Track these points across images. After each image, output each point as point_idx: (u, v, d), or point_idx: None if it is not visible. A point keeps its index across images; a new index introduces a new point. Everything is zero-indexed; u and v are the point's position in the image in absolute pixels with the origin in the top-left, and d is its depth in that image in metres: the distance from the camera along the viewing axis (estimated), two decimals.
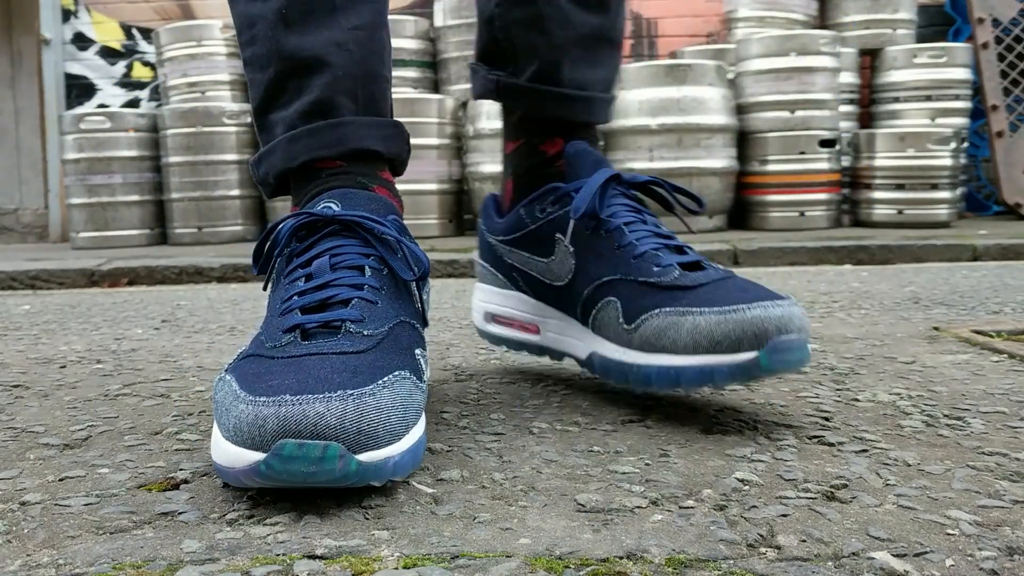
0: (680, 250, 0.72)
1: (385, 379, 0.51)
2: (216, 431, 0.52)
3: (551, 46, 0.77)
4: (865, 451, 0.59)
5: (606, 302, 0.71)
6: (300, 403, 0.47)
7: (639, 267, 0.70)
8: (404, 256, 0.64)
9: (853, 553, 0.42)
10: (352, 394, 0.48)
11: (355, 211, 0.63)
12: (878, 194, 3.39)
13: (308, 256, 0.62)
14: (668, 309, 0.67)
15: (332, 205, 0.65)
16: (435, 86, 3.93)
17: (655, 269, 0.69)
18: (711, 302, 0.65)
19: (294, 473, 0.47)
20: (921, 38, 4.07)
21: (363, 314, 0.57)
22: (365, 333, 0.56)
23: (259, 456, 0.47)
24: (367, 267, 0.61)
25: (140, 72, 4.70)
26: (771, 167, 3.38)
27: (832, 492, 0.51)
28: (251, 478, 0.48)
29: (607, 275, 0.71)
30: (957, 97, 3.74)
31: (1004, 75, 3.83)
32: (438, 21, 3.88)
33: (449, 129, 3.47)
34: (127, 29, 4.70)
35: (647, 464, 0.57)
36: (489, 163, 3.29)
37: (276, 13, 0.68)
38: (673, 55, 4.05)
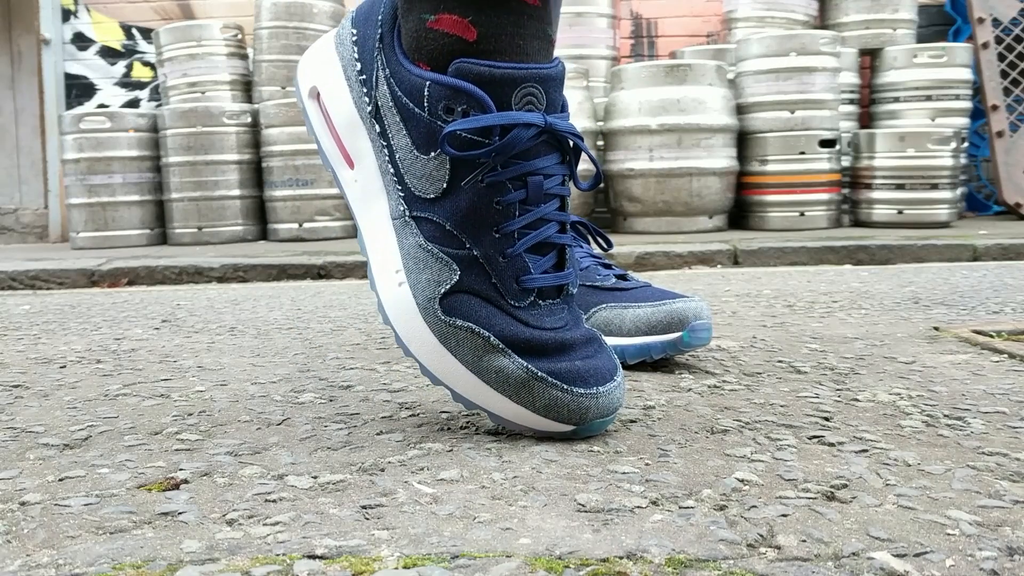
0: (608, 266, 0.95)
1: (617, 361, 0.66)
2: (493, 394, 0.63)
3: None
4: (865, 451, 0.59)
5: None
6: (607, 395, 0.62)
7: (586, 275, 0.92)
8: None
9: (853, 553, 0.42)
10: (619, 382, 0.64)
11: (563, 124, 0.63)
12: (878, 194, 3.39)
13: (524, 168, 0.61)
14: (612, 304, 0.90)
15: (534, 107, 0.62)
16: None
17: (598, 276, 0.92)
18: (644, 299, 0.90)
19: (588, 433, 0.64)
20: (921, 38, 4.07)
21: (575, 277, 0.67)
22: (573, 295, 0.67)
23: (571, 428, 0.63)
24: (567, 201, 0.66)
25: (140, 72, 4.70)
26: (771, 167, 3.38)
27: (832, 492, 0.51)
28: (551, 434, 0.63)
29: None
30: (957, 97, 3.74)
31: (1004, 75, 3.84)
32: None
33: None
34: (127, 29, 4.70)
35: (647, 464, 0.57)
36: None
37: None
38: (673, 55, 4.05)
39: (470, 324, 0.62)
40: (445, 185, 0.62)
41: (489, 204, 0.62)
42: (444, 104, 0.61)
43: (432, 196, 0.63)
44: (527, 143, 0.61)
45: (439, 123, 0.61)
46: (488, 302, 0.63)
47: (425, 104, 0.62)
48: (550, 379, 0.62)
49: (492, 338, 0.62)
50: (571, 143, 0.64)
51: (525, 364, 0.62)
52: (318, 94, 0.69)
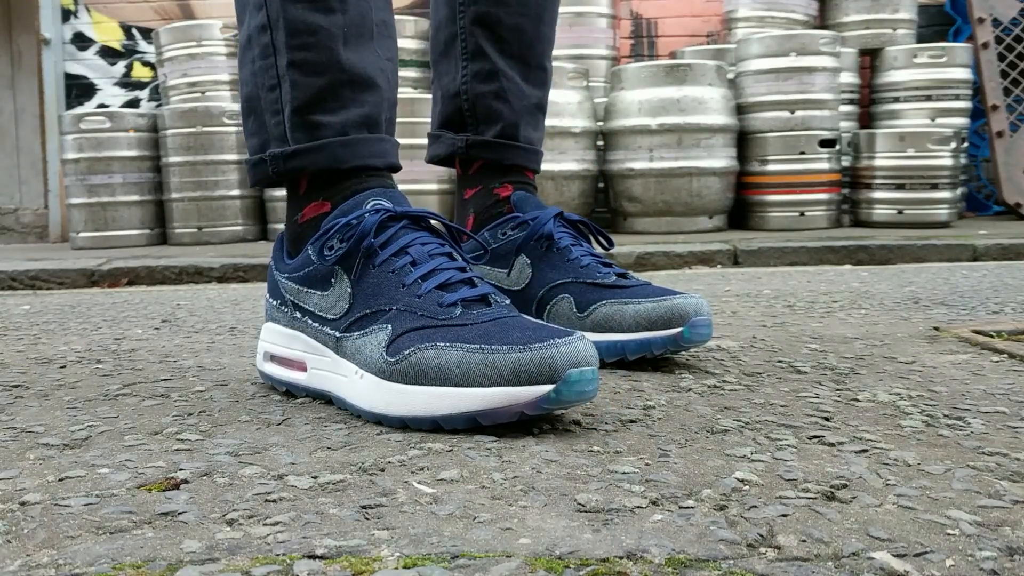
0: (608, 265, 0.96)
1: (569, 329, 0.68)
2: (461, 390, 0.64)
3: (511, 112, 1.00)
4: (865, 451, 0.59)
5: (560, 298, 0.94)
6: (569, 343, 0.63)
7: (587, 273, 0.94)
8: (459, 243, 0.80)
9: (853, 553, 0.42)
10: (580, 336, 0.65)
11: (420, 209, 0.77)
12: (878, 194, 3.39)
13: (399, 245, 0.74)
14: (613, 300, 0.91)
15: (383, 202, 0.76)
16: None
17: (598, 274, 0.94)
18: (644, 295, 0.90)
19: (579, 393, 0.63)
20: (921, 38, 4.07)
21: (494, 290, 0.73)
22: (507, 303, 0.72)
23: (548, 388, 0.62)
24: (454, 254, 0.75)
25: (140, 72, 4.69)
26: (771, 167, 3.38)
27: (832, 492, 0.51)
28: (535, 408, 0.63)
29: (560, 279, 0.94)
30: (957, 97, 3.74)
31: (1004, 75, 3.83)
32: None
33: None
34: (127, 29, 4.70)
35: (647, 464, 0.57)
36: None
37: (339, 28, 0.78)
38: (673, 55, 4.04)
39: (416, 346, 0.68)
40: (350, 290, 0.74)
41: (386, 275, 0.73)
42: (317, 252, 0.76)
43: (345, 307, 0.74)
44: (386, 225, 0.75)
45: (324, 263, 0.76)
46: (424, 328, 0.69)
47: (314, 260, 0.76)
48: (504, 346, 0.64)
49: (440, 344, 0.67)
50: (430, 220, 0.77)
51: (478, 346, 0.65)
52: (270, 355, 0.83)
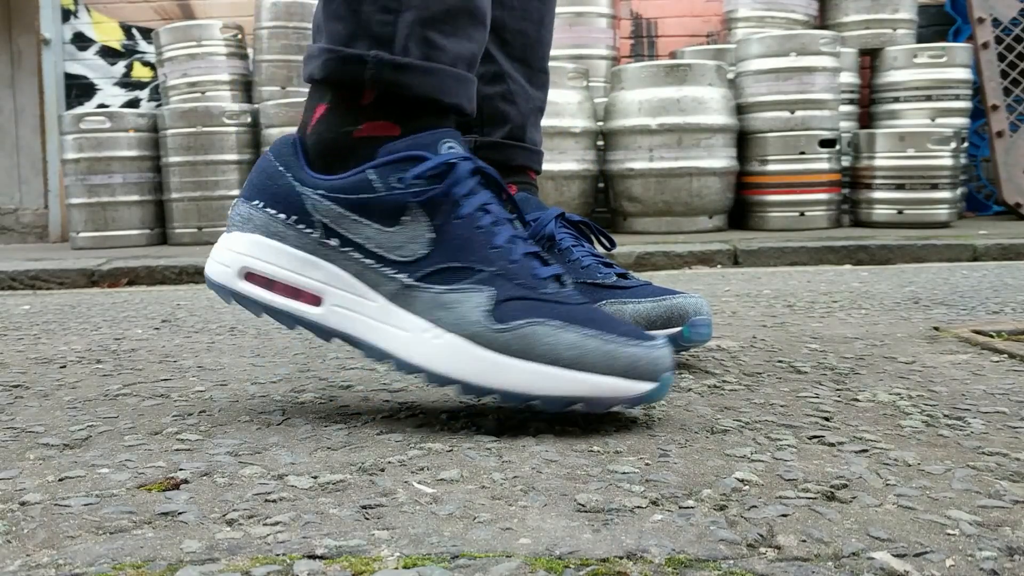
0: (609, 265, 0.96)
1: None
2: (571, 374, 0.64)
3: (518, 114, 1.00)
4: (865, 451, 0.59)
5: None
6: (666, 346, 0.66)
7: (588, 273, 0.93)
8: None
9: (853, 553, 0.42)
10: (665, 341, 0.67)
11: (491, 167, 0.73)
12: (878, 194, 3.39)
13: (481, 201, 0.70)
14: (613, 300, 0.91)
15: (457, 148, 0.71)
16: None
17: (599, 275, 0.93)
18: (644, 295, 0.91)
19: (662, 395, 0.66)
20: (921, 38, 4.07)
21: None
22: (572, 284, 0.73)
23: (650, 386, 0.64)
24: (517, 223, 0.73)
25: (140, 72, 4.70)
26: (771, 167, 3.38)
27: (832, 492, 0.51)
28: (631, 403, 0.65)
29: None
30: (957, 97, 3.74)
31: (1004, 75, 3.84)
32: None
33: None
34: (127, 29, 4.70)
35: (647, 464, 0.57)
36: None
37: None
38: (673, 55, 4.04)
39: (529, 319, 0.65)
40: (433, 235, 0.67)
41: (472, 231, 0.68)
42: (382, 179, 0.68)
43: (423, 253, 0.67)
44: (470, 177, 0.69)
45: (397, 192, 0.68)
46: (527, 300, 0.66)
47: (372, 187, 0.68)
48: (620, 337, 0.64)
49: (553, 322, 0.65)
50: (498, 182, 0.73)
51: (595, 332, 0.65)
52: (248, 272, 0.70)
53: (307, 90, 0.76)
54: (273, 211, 0.71)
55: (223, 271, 0.71)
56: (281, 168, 0.71)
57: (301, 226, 0.70)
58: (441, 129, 0.71)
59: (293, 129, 3.64)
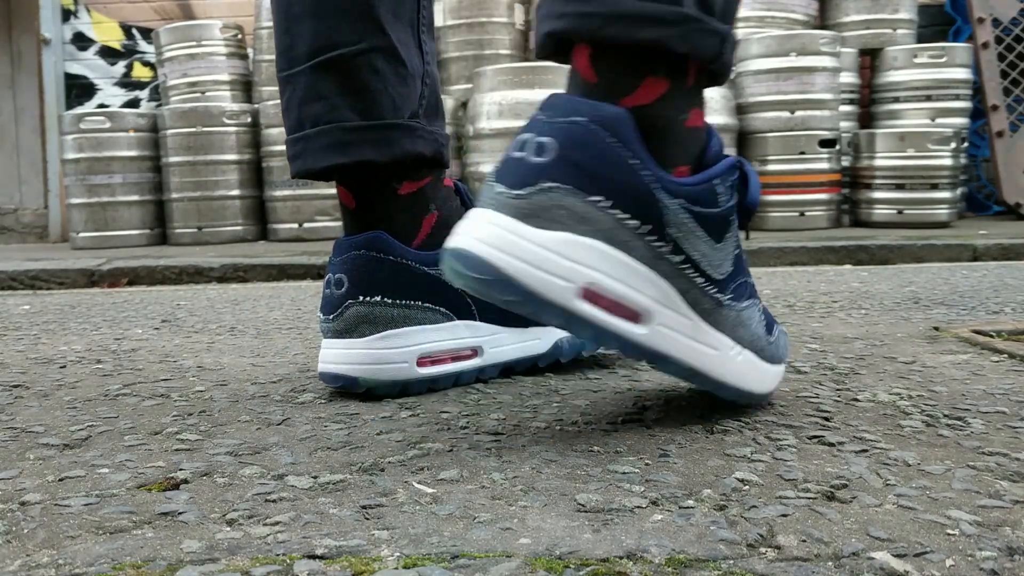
0: None
1: None
2: (779, 369, 0.71)
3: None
4: (865, 451, 0.59)
5: None
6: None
7: None
8: None
9: (853, 553, 0.42)
10: None
11: None
12: (878, 194, 3.39)
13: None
14: None
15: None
16: None
17: None
18: None
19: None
20: (921, 38, 4.07)
21: None
22: None
23: (784, 366, 0.73)
24: None
25: (140, 72, 4.70)
26: (771, 167, 3.38)
27: (832, 492, 0.51)
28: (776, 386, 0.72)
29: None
30: (957, 97, 3.74)
31: (1004, 75, 3.84)
32: (438, 21, 3.88)
33: (449, 129, 3.47)
34: (127, 29, 4.71)
35: (647, 464, 0.57)
36: (489, 163, 3.29)
37: None
38: None
39: (776, 326, 0.72)
40: (737, 251, 0.65)
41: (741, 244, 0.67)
42: (724, 189, 0.62)
43: (730, 269, 0.64)
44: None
45: (727, 206, 0.63)
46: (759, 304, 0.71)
47: (718, 199, 0.62)
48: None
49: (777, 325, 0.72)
50: None
51: (780, 328, 0.73)
52: (588, 290, 0.57)
53: None
54: (623, 215, 0.58)
55: (558, 286, 0.56)
56: (633, 161, 0.57)
57: (652, 238, 0.59)
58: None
59: None
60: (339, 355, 0.78)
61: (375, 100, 0.79)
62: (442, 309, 0.80)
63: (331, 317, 0.78)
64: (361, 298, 0.77)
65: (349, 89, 0.78)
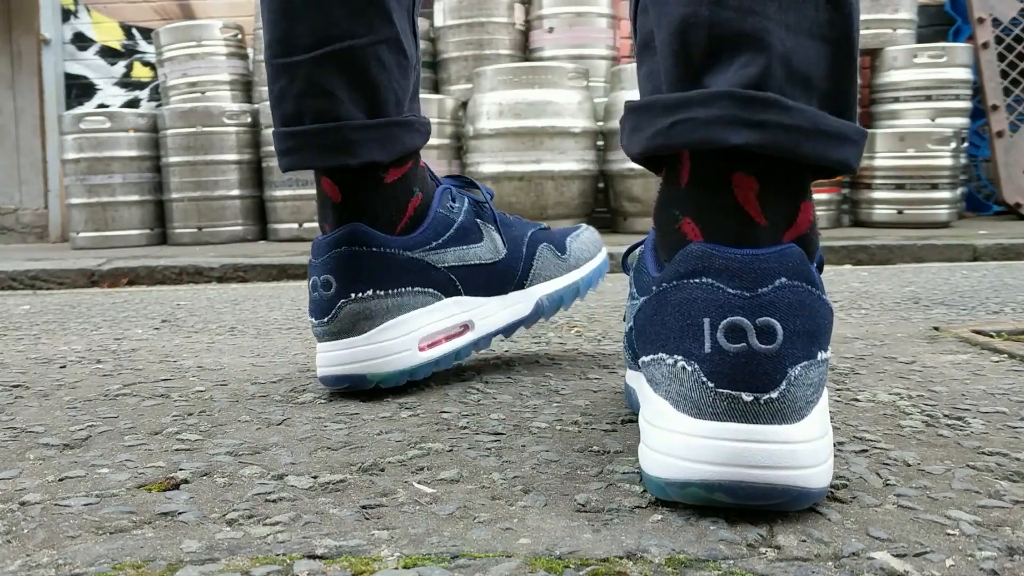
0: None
1: None
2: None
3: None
4: (865, 451, 0.59)
5: (541, 249, 0.90)
6: None
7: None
8: None
9: (853, 553, 0.42)
10: None
11: None
12: (878, 194, 3.39)
13: None
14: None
15: None
16: (435, 86, 3.93)
17: None
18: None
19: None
20: (921, 38, 4.07)
21: None
22: None
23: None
24: None
25: (140, 72, 4.70)
26: None
27: (832, 492, 0.51)
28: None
29: (529, 230, 0.91)
30: (957, 97, 3.73)
31: (1004, 75, 3.83)
32: (438, 21, 3.88)
33: (449, 129, 3.47)
34: (127, 29, 4.70)
35: None
36: (489, 163, 3.29)
37: None
38: None
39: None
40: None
41: None
42: None
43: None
44: None
45: None
46: None
47: None
48: None
49: None
50: None
51: None
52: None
53: None
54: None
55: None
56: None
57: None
58: None
59: None
60: (342, 356, 0.77)
61: (381, 96, 0.77)
62: (431, 290, 0.80)
63: (326, 320, 0.77)
64: (353, 295, 0.76)
65: (355, 84, 0.76)
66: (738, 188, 0.49)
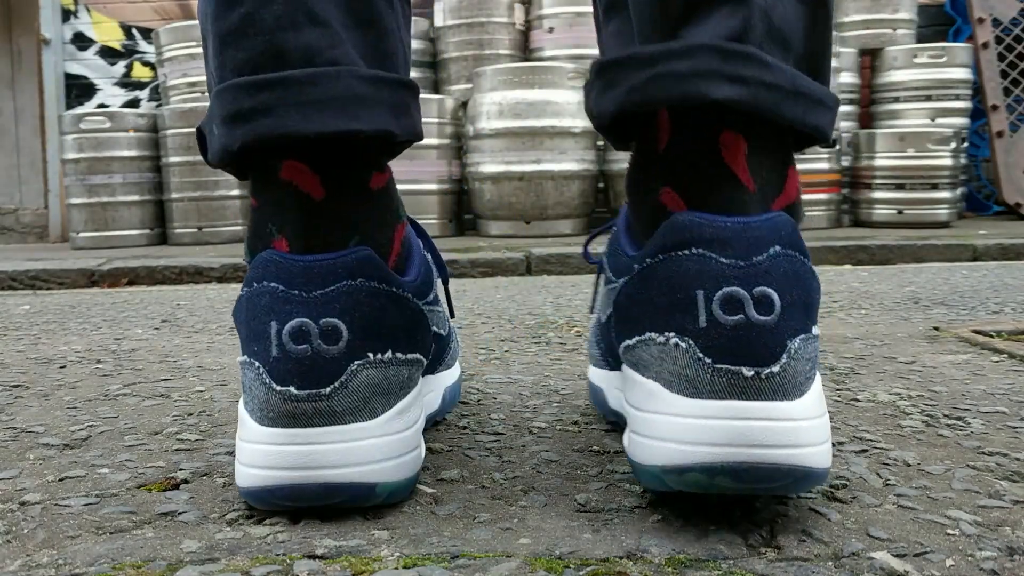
0: None
1: None
2: None
3: None
4: (865, 451, 0.59)
5: None
6: None
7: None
8: None
9: (853, 553, 0.42)
10: None
11: None
12: (878, 194, 3.39)
13: None
14: None
15: None
16: (435, 86, 3.93)
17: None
18: None
19: None
20: (921, 38, 4.07)
21: None
22: None
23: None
24: None
25: (140, 72, 4.70)
26: None
27: (832, 492, 0.51)
28: None
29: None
30: (957, 97, 3.74)
31: (1004, 75, 3.83)
32: (438, 21, 3.88)
33: (449, 129, 3.47)
34: (127, 29, 4.70)
35: None
36: (489, 163, 3.29)
37: None
38: None
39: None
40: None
41: None
42: None
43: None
44: None
45: None
46: None
47: None
48: None
49: None
50: None
51: None
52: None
53: None
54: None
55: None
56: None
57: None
58: None
59: None
60: (343, 452, 0.48)
61: (389, 43, 0.54)
62: (422, 358, 0.55)
63: (326, 391, 0.47)
64: (371, 355, 0.49)
65: (356, 18, 0.52)
66: (726, 149, 0.46)
